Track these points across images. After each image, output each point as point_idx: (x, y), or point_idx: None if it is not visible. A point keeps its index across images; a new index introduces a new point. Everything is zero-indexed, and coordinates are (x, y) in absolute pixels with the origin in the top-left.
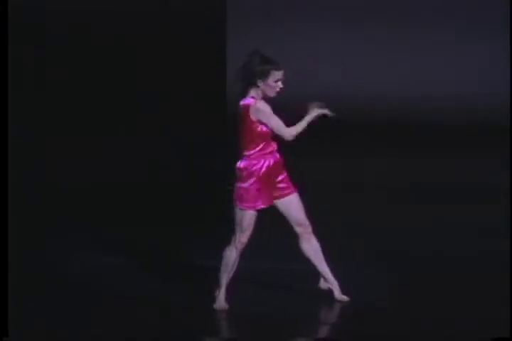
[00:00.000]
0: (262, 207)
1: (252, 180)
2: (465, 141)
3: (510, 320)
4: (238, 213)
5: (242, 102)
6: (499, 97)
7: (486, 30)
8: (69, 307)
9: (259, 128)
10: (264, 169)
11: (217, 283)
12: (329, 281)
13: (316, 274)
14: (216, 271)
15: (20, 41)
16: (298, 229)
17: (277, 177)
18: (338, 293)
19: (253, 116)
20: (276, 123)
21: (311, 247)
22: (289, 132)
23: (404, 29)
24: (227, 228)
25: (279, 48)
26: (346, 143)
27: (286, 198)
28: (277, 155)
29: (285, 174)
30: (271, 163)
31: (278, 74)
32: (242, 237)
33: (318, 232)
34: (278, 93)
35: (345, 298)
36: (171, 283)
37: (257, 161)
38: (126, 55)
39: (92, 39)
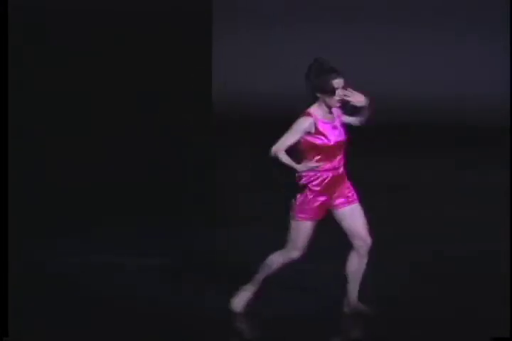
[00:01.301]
0: (317, 219)
1: (310, 191)
2: (465, 140)
3: (510, 320)
4: (294, 224)
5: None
6: (499, 97)
7: (486, 30)
8: (69, 308)
9: (308, 141)
10: (326, 181)
11: (250, 282)
12: (353, 302)
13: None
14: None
15: (20, 41)
16: (357, 243)
17: (336, 189)
18: (366, 310)
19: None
20: (282, 137)
21: (359, 264)
22: (275, 149)
23: (404, 29)
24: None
25: (265, 49)
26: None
27: (347, 208)
28: (339, 171)
29: (347, 185)
30: (328, 177)
31: (337, 83)
32: (294, 253)
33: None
34: (341, 102)
35: (373, 311)
36: (172, 283)
37: (320, 173)
38: (117, 55)
39: (83, 39)
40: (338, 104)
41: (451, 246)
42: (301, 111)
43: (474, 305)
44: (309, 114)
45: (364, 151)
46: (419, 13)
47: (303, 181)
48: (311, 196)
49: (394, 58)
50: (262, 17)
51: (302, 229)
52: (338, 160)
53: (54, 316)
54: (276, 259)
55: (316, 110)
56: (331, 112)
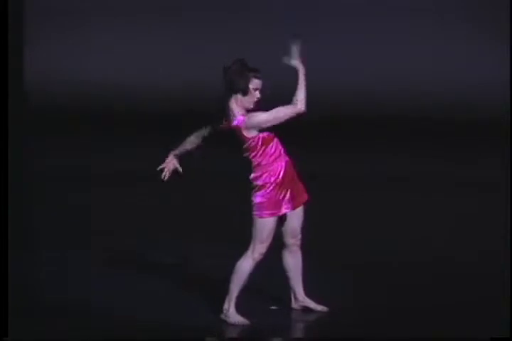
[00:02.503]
0: (287, 211)
1: (271, 187)
2: (465, 140)
3: (510, 320)
4: (258, 223)
5: (234, 124)
6: (499, 97)
7: (486, 30)
8: (69, 307)
9: (259, 140)
10: (282, 173)
11: (227, 295)
12: (300, 297)
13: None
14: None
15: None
16: (290, 241)
17: (294, 177)
18: (314, 305)
19: (249, 134)
20: (282, 112)
21: (295, 261)
22: (300, 105)
23: (403, 29)
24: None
25: (79, 37)
26: (351, 137)
27: (300, 208)
28: (286, 157)
29: (300, 183)
30: (283, 165)
31: (257, 83)
32: (262, 248)
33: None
34: (256, 104)
35: (324, 308)
36: (168, 284)
37: (272, 167)
38: None
39: None
40: (252, 106)
41: (450, 245)
42: (118, 98)
43: (474, 305)
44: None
45: (359, 145)
46: (419, 12)
47: (260, 181)
48: (272, 191)
49: (393, 58)
50: (77, 4)
51: (267, 225)
52: (280, 146)
53: (54, 316)
54: (245, 266)
55: (240, 111)
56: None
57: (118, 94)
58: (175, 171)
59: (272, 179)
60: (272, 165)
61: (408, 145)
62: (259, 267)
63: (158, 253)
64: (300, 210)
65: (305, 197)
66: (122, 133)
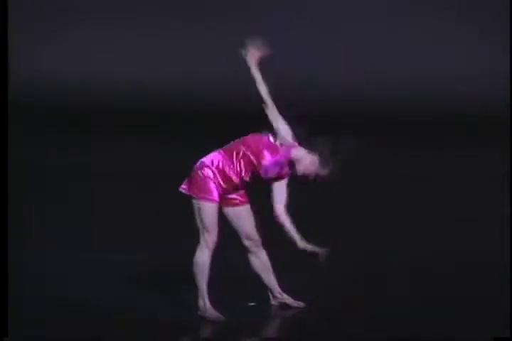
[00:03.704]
0: (217, 200)
1: (208, 171)
2: (464, 139)
3: (510, 320)
4: (198, 208)
5: None
6: (499, 96)
7: (486, 30)
8: (69, 307)
9: None
10: (219, 163)
11: (198, 293)
12: (275, 293)
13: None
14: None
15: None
16: (246, 243)
17: (230, 179)
18: (291, 301)
19: None
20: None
21: (260, 261)
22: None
23: (404, 29)
24: None
25: (64, 36)
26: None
27: (237, 208)
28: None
29: (239, 182)
30: (222, 159)
31: None
32: (211, 236)
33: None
34: None
35: (301, 303)
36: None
37: (214, 156)
38: None
39: None
40: None
41: (451, 243)
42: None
43: (474, 305)
44: None
45: (360, 142)
46: (420, 11)
47: (198, 163)
48: (203, 175)
49: (393, 59)
50: (60, 3)
51: (208, 211)
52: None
53: (54, 316)
54: (202, 258)
55: None
56: None
57: (105, 92)
58: None
59: (212, 165)
60: (214, 154)
61: (406, 144)
62: (238, 264)
63: (156, 253)
64: (242, 212)
65: (239, 199)
66: (108, 132)
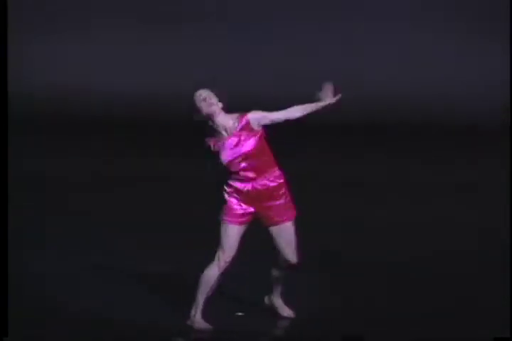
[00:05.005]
0: (241, 224)
1: (234, 195)
2: (464, 140)
3: (510, 320)
4: (221, 228)
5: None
6: (499, 97)
7: (486, 30)
8: (69, 308)
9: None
10: (240, 191)
11: (194, 301)
12: (274, 297)
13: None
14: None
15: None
16: (282, 260)
17: (270, 200)
18: (284, 309)
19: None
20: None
21: (280, 275)
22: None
23: (404, 29)
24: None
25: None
26: (357, 143)
27: (275, 226)
28: (260, 183)
29: (284, 199)
30: (247, 188)
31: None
32: (225, 256)
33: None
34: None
35: (291, 313)
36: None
37: (243, 180)
38: None
39: None
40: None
41: (451, 246)
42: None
43: (474, 305)
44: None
45: (358, 151)
46: (419, 12)
47: (225, 188)
48: (232, 203)
49: (393, 59)
50: (58, 15)
51: (229, 232)
52: (254, 172)
53: (54, 316)
54: (210, 273)
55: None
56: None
57: (96, 99)
58: None
59: (232, 191)
60: (239, 181)
61: (405, 149)
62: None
63: (156, 259)
64: (279, 232)
65: (286, 216)
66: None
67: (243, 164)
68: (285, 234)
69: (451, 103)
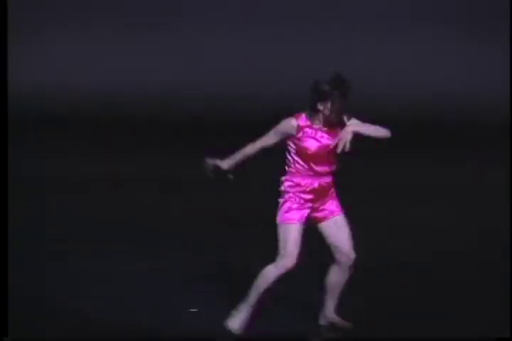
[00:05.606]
0: (302, 222)
1: (288, 196)
2: (464, 140)
3: (510, 320)
4: (281, 229)
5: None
6: (499, 97)
7: (486, 30)
8: (69, 308)
9: (290, 144)
10: (303, 189)
11: (246, 302)
12: (327, 314)
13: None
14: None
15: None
16: (339, 257)
17: (320, 199)
18: (341, 322)
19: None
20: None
21: (339, 279)
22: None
23: (404, 30)
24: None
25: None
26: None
27: (330, 221)
28: (325, 180)
29: (332, 197)
30: (312, 185)
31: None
32: (286, 261)
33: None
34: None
35: (350, 325)
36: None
37: (299, 179)
38: None
39: None
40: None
41: (451, 246)
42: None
43: (474, 305)
44: (294, 116)
45: (363, 151)
46: (420, 13)
47: (284, 187)
48: (294, 201)
49: (393, 59)
50: (58, 14)
51: (289, 232)
52: (323, 168)
53: (54, 316)
54: (270, 272)
55: (304, 115)
56: (325, 120)
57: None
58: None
59: (296, 190)
60: (302, 177)
61: (405, 149)
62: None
63: (158, 256)
64: (335, 225)
65: (340, 209)
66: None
67: (325, 157)
68: (344, 227)
69: (451, 103)
